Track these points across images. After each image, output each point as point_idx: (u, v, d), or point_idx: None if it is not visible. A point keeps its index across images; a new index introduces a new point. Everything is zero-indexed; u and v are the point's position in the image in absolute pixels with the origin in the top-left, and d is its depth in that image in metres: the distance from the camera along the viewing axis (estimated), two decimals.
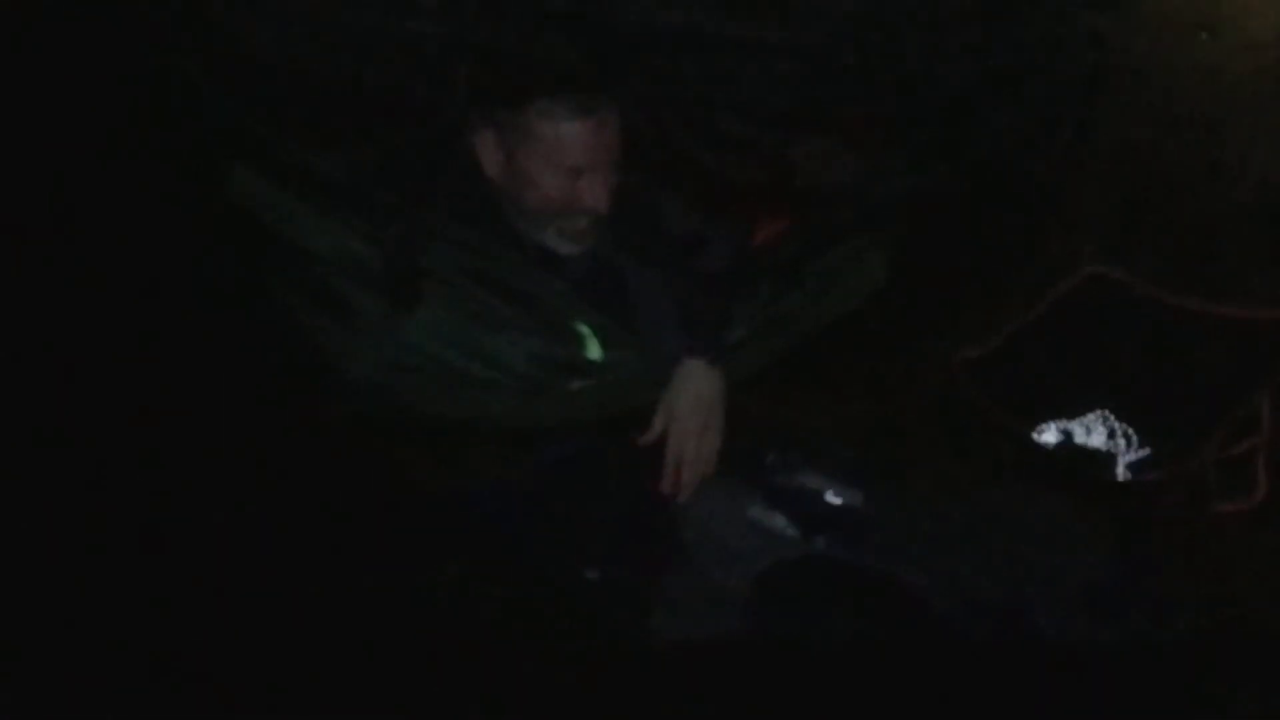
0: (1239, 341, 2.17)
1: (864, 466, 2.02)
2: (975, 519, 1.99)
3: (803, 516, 1.94)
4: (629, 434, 2.08)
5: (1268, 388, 2.10)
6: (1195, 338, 2.19)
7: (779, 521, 1.94)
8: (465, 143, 2.16)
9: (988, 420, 2.16)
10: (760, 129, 2.35)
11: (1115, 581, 1.95)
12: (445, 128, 2.19)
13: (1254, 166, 2.46)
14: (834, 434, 2.12)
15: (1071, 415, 2.13)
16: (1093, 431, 2.10)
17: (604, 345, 2.12)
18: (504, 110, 2.12)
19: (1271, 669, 1.89)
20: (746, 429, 2.09)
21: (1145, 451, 2.08)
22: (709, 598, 1.93)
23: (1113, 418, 2.11)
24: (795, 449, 2.03)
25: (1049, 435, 2.12)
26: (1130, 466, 2.07)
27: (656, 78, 2.31)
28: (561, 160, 2.09)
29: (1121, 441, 2.09)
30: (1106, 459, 2.08)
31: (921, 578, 1.89)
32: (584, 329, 2.12)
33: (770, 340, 2.19)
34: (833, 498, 1.97)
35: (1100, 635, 1.90)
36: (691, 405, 2.05)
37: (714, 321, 2.13)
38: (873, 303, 2.25)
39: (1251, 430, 2.09)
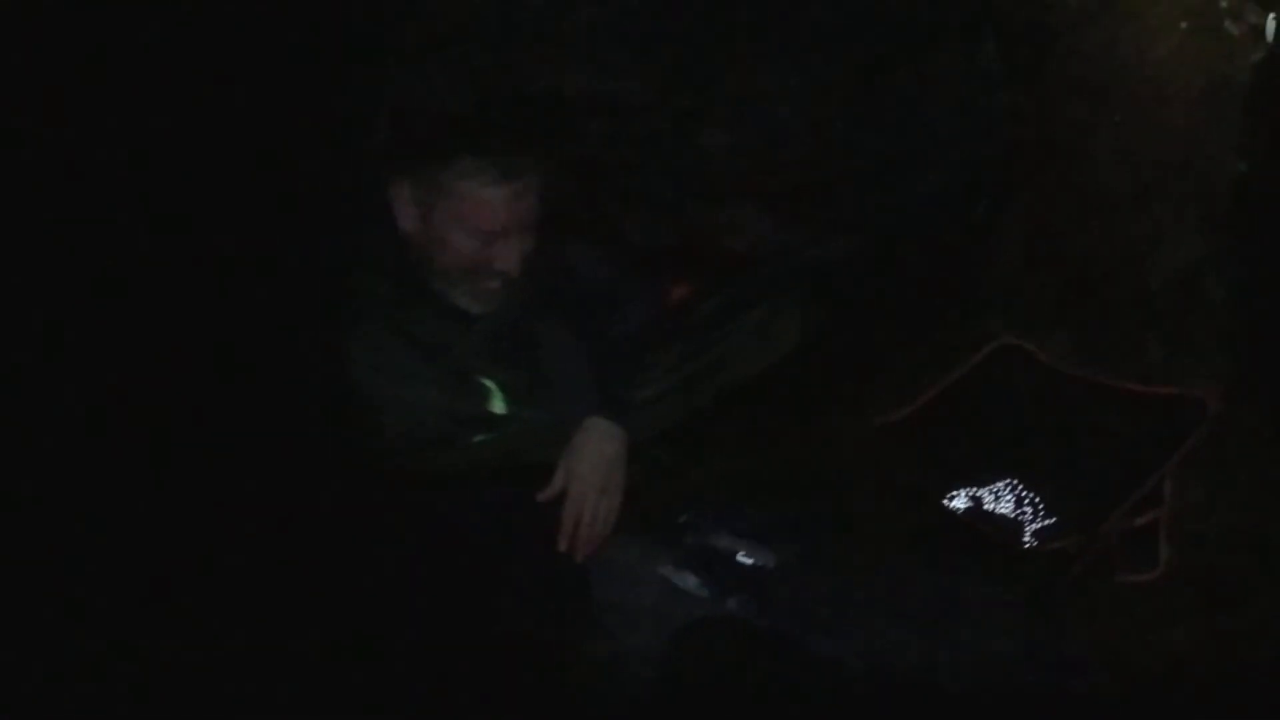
0: (1144, 416, 2.21)
1: (777, 528, 2.03)
2: (886, 583, 2.00)
3: (715, 577, 1.94)
4: (531, 490, 2.07)
5: (1170, 462, 2.14)
6: (1102, 411, 2.23)
7: (691, 581, 1.94)
8: (381, 193, 2.16)
9: (901, 485, 2.18)
10: (676, 193, 2.37)
11: (1022, 649, 1.97)
12: (363, 178, 2.19)
13: (1164, 244, 2.52)
14: (748, 495, 2.13)
15: (982, 483, 2.15)
16: (1001, 499, 2.13)
17: (508, 400, 2.12)
18: (423, 166, 2.12)
19: None
20: (660, 488, 2.11)
21: (1051, 520, 2.10)
22: (621, 656, 1.92)
23: (1021, 486, 2.13)
24: (708, 509, 2.03)
25: (960, 502, 2.14)
26: (1037, 535, 2.10)
27: (575, 142, 2.33)
28: (478, 223, 2.08)
29: (1029, 510, 2.11)
30: (1015, 527, 2.11)
31: (831, 641, 1.90)
32: (489, 383, 2.12)
33: (681, 400, 2.20)
34: (745, 559, 1.97)
35: (1007, 702, 1.91)
36: (592, 463, 2.05)
37: (621, 381, 2.13)
38: (789, 366, 2.28)
39: (1155, 503, 2.13)
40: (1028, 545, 2.09)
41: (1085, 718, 1.94)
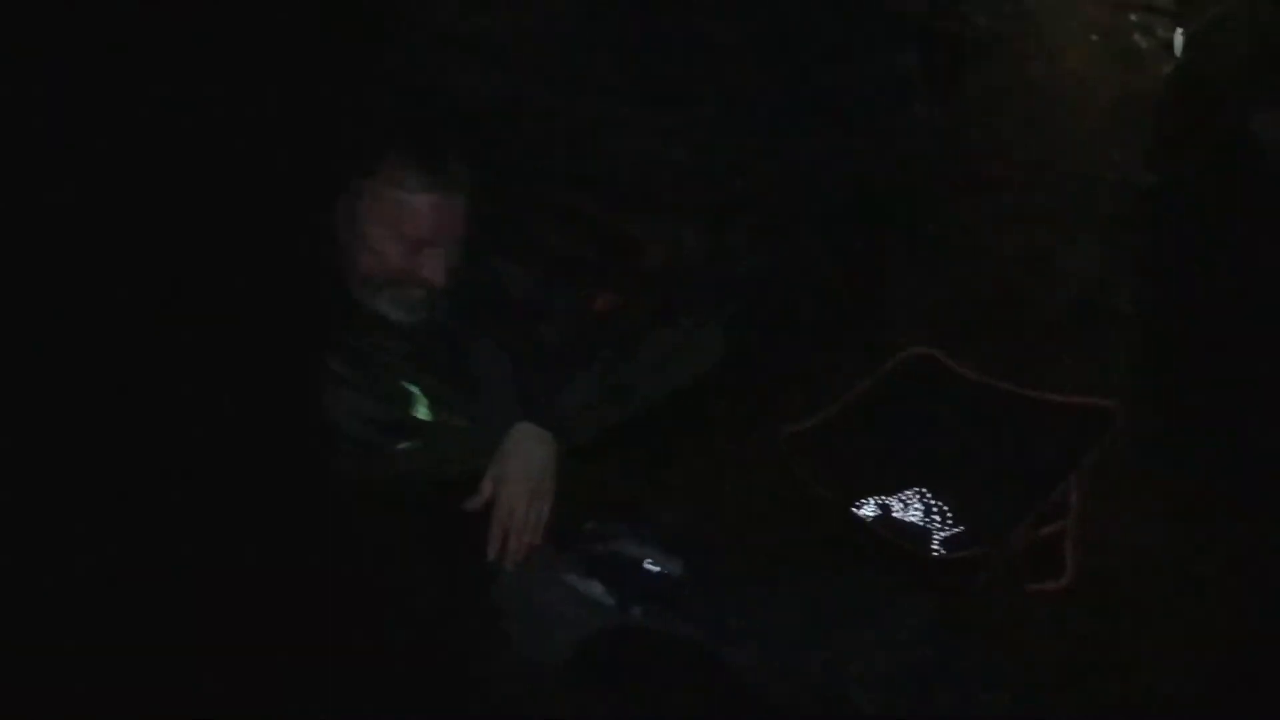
0: (1051, 425, 2.22)
1: (685, 537, 2.01)
2: (795, 592, 1.99)
3: (620, 585, 1.92)
4: (457, 497, 2.04)
5: (1076, 472, 2.15)
6: (1009, 420, 2.24)
7: (596, 589, 1.92)
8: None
9: (811, 495, 2.17)
10: (605, 205, 2.37)
11: (931, 658, 1.96)
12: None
13: (1074, 256, 2.54)
14: (657, 504, 2.12)
15: (890, 492, 2.15)
16: (910, 508, 2.13)
17: (434, 407, 2.11)
18: (354, 173, 2.10)
19: None
20: (572, 496, 2.08)
21: (959, 529, 2.11)
22: (525, 665, 1.90)
23: (929, 495, 2.14)
24: (615, 517, 2.02)
25: (868, 510, 2.14)
26: (945, 544, 2.10)
27: (505, 151, 2.32)
28: (404, 231, 2.07)
29: (937, 519, 2.12)
30: (923, 536, 2.11)
31: (740, 650, 1.89)
32: (414, 389, 2.10)
33: (606, 410, 2.20)
34: (651, 566, 1.95)
35: (917, 713, 1.90)
36: (522, 471, 2.03)
37: (549, 389, 2.11)
38: (705, 375, 2.27)
39: (1061, 513, 2.14)
40: (936, 554, 2.09)
41: None
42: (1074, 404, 2.24)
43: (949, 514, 2.12)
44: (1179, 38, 2.54)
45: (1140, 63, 2.59)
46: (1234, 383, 2.33)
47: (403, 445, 2.09)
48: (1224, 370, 2.36)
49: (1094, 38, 2.59)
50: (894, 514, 2.13)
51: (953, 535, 2.11)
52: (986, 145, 2.63)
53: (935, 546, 2.09)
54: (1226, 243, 2.44)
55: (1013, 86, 2.64)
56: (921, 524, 2.12)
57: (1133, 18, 2.60)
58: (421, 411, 2.10)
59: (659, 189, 2.40)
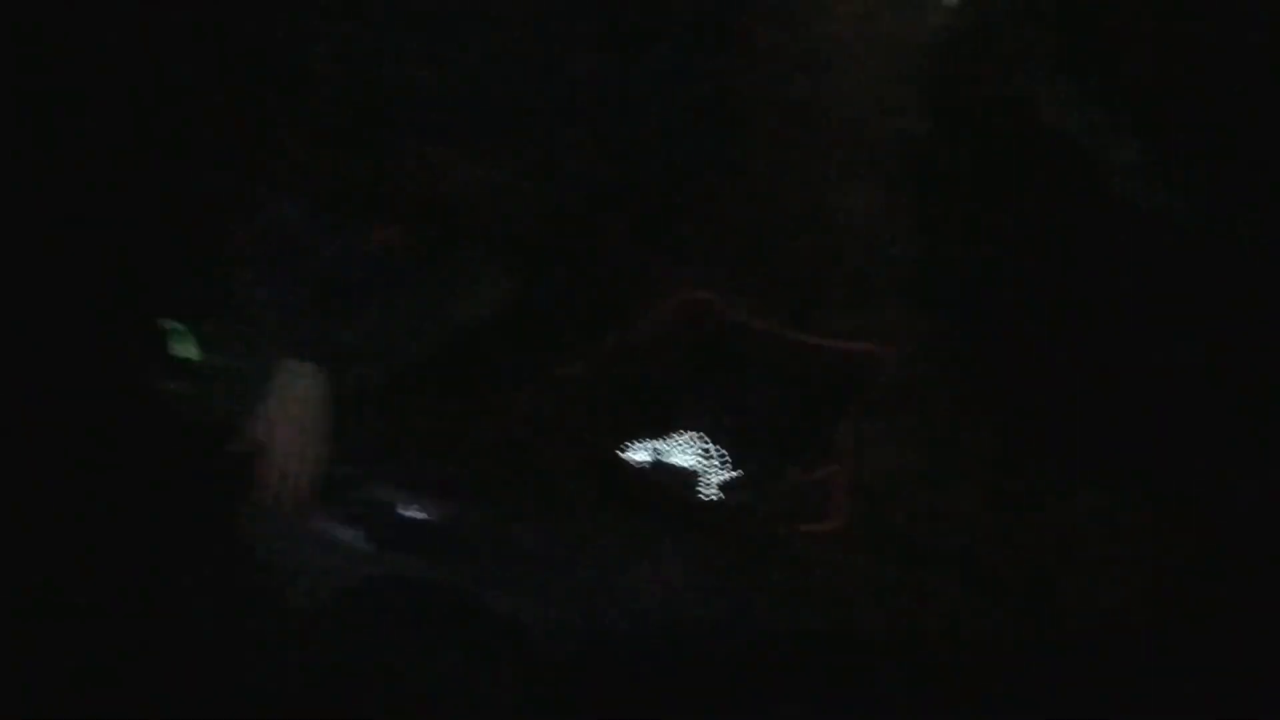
0: (823, 370, 2.24)
1: (444, 482, 1.98)
2: (561, 538, 1.98)
3: (377, 532, 1.89)
4: (226, 440, 1.99)
5: (849, 416, 2.18)
6: (783, 364, 2.26)
7: (351, 536, 1.88)
8: None
9: (583, 439, 2.16)
10: (387, 132, 2.31)
11: (701, 599, 1.97)
12: None
13: (849, 203, 2.56)
14: (417, 449, 2.08)
15: (664, 436, 2.15)
16: (683, 453, 2.14)
17: (200, 345, 2.05)
18: None
19: (849, 682, 1.98)
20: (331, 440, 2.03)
21: (733, 473, 2.12)
22: (280, 617, 1.85)
23: (703, 439, 2.14)
24: (370, 462, 1.98)
25: (641, 455, 2.13)
26: (719, 488, 2.11)
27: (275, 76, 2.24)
28: None
29: (710, 463, 2.13)
30: (696, 479, 2.11)
31: (500, 595, 1.88)
32: (179, 326, 2.05)
33: (380, 348, 2.14)
34: (409, 513, 1.92)
35: (686, 658, 1.91)
36: (294, 409, 1.98)
37: (321, 325, 2.07)
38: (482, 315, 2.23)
39: (833, 456, 2.16)
40: (709, 498, 2.10)
41: (766, 672, 1.96)
42: (846, 349, 2.27)
43: (722, 458, 2.13)
44: None
45: (914, 6, 2.61)
46: (1006, 331, 2.39)
47: (170, 386, 2.03)
48: (997, 319, 2.40)
49: None
50: (667, 459, 2.13)
51: (726, 479, 2.12)
52: (756, 87, 2.63)
53: (709, 491, 2.10)
54: (1001, 195, 2.49)
55: (785, 33, 2.64)
56: (695, 468, 2.13)
57: None
58: (187, 350, 2.04)
59: (444, 119, 2.36)
